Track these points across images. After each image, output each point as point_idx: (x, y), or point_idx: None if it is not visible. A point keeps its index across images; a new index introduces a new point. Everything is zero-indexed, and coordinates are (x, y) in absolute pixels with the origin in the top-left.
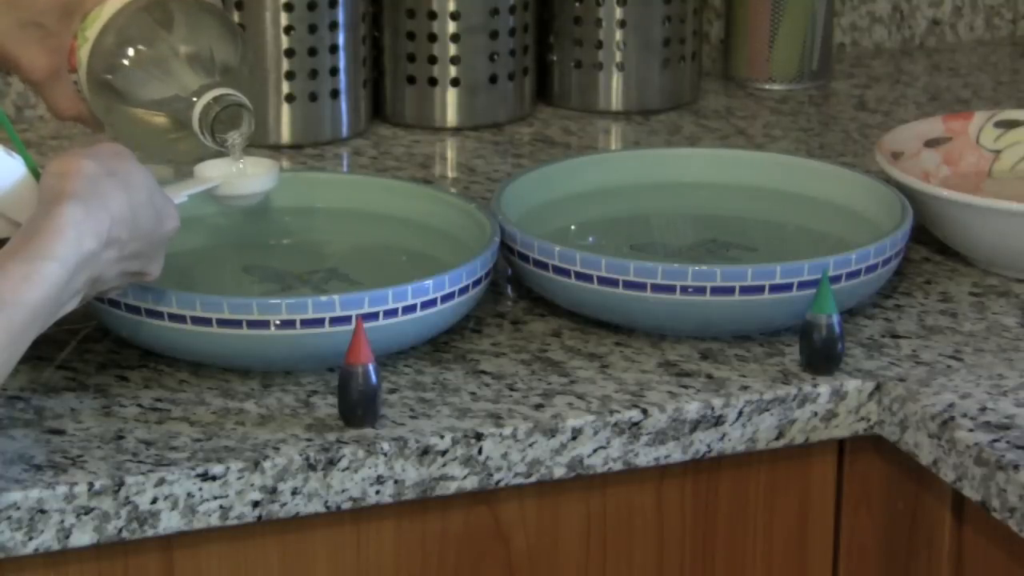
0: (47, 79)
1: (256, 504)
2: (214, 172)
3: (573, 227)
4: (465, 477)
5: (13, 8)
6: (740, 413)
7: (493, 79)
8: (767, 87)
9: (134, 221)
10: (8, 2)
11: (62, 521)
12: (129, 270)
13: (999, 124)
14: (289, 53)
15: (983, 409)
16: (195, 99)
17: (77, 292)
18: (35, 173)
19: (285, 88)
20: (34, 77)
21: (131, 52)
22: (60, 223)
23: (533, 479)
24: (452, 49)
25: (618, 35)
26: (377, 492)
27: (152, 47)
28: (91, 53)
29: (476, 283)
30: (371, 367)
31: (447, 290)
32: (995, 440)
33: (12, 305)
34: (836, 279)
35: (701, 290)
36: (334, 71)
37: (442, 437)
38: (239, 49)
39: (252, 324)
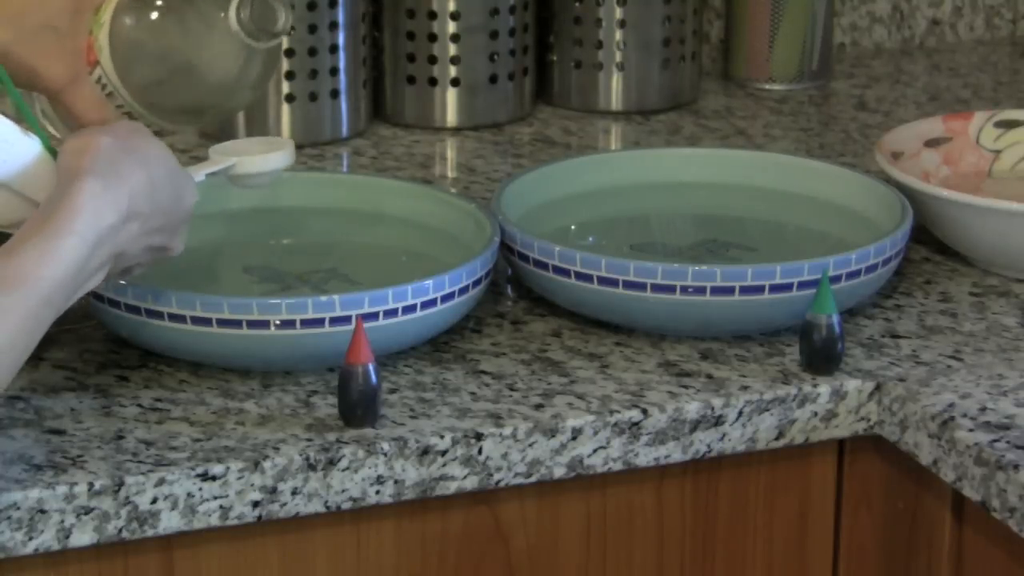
0: (68, 85)
1: (256, 504)
2: (229, 152)
3: (573, 227)
4: (465, 477)
5: (23, 15)
6: (740, 413)
7: (493, 79)
8: (767, 87)
9: (154, 195)
10: (17, 11)
11: (62, 521)
12: (153, 244)
13: (999, 124)
14: (289, 53)
15: (983, 409)
16: (223, 14)
17: (100, 267)
18: (52, 152)
19: (285, 88)
20: (54, 85)
21: (153, 15)
22: (78, 200)
23: (533, 479)
24: (452, 49)
25: (618, 35)
26: (377, 492)
27: (171, 6)
28: (111, 33)
29: (476, 283)
30: (371, 367)
31: (447, 290)
32: (995, 440)
33: (34, 281)
34: (836, 279)
35: (701, 290)
36: (334, 71)
37: (442, 437)
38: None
39: (252, 324)
